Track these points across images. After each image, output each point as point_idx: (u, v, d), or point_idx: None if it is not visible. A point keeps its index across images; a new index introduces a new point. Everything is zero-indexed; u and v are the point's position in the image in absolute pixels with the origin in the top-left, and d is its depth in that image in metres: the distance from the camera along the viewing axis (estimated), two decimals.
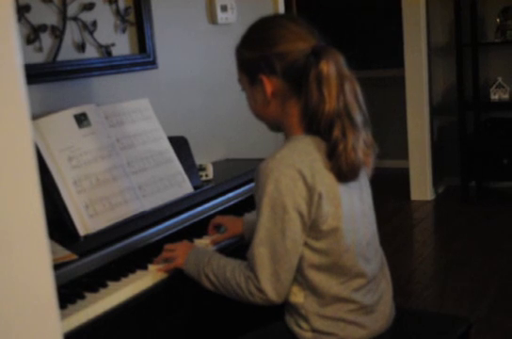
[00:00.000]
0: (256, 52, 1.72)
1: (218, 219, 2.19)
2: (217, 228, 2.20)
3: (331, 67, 1.64)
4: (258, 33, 1.75)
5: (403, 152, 5.35)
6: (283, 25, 1.71)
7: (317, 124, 1.66)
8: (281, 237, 1.64)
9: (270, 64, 1.69)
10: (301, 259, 1.69)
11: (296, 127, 1.72)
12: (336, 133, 1.64)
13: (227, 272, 1.73)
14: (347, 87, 1.66)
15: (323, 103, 1.64)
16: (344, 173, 1.67)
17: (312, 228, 1.66)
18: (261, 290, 1.67)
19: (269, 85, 1.71)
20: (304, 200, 1.63)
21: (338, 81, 1.65)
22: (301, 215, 1.64)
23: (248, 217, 2.19)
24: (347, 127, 1.65)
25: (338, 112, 1.65)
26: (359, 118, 1.68)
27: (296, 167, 1.63)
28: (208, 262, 1.78)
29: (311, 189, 1.63)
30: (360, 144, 1.68)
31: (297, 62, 1.67)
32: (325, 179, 1.65)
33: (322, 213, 1.65)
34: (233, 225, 2.15)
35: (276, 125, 1.81)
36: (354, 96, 1.68)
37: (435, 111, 5.45)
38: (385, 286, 1.85)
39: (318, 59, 1.64)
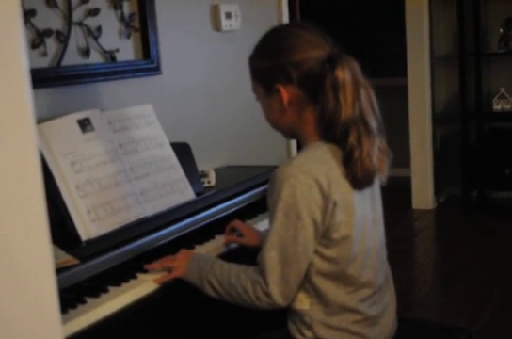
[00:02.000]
0: (271, 61, 1.72)
1: (238, 224, 2.20)
2: (233, 231, 2.21)
3: (347, 74, 1.65)
4: (271, 42, 1.75)
5: (405, 160, 5.36)
6: (296, 34, 1.71)
7: (333, 131, 1.66)
8: (293, 243, 1.64)
9: (286, 73, 1.69)
10: (310, 266, 1.69)
11: (312, 135, 1.73)
12: (352, 139, 1.65)
13: (231, 278, 1.73)
14: (363, 93, 1.67)
15: (339, 109, 1.64)
16: (360, 180, 1.67)
17: (324, 236, 1.67)
18: (268, 294, 1.67)
19: (286, 94, 1.71)
20: (319, 208, 1.63)
21: (354, 88, 1.65)
22: (315, 222, 1.64)
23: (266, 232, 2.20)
24: (363, 134, 1.66)
25: (354, 119, 1.65)
26: (374, 124, 1.69)
27: (313, 174, 1.63)
28: (211, 268, 1.78)
29: (326, 198, 1.63)
30: (375, 151, 1.68)
31: (313, 70, 1.67)
32: (340, 187, 1.65)
33: (335, 221, 1.65)
34: (251, 235, 2.15)
35: (291, 133, 1.82)
36: (369, 103, 1.69)
37: (437, 120, 5.45)
38: (389, 298, 1.85)
39: (333, 66, 1.65)
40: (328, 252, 1.68)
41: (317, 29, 1.73)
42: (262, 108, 1.81)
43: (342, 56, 1.67)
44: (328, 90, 1.64)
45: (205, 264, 1.81)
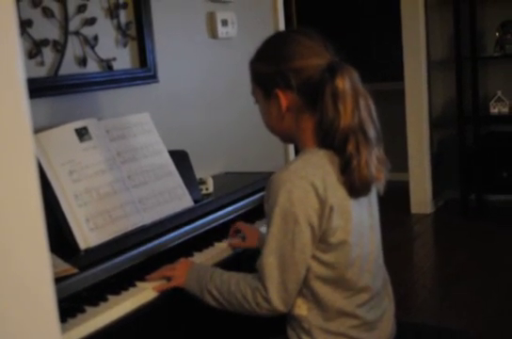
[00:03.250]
0: (272, 67, 1.73)
1: (240, 225, 2.25)
2: (237, 233, 2.25)
3: (347, 83, 1.66)
4: (273, 48, 1.77)
5: (403, 165, 5.36)
6: (298, 41, 1.73)
7: (331, 139, 1.67)
8: (291, 248, 1.65)
9: (286, 79, 1.70)
10: (308, 271, 1.70)
11: (309, 141, 1.74)
12: (350, 148, 1.66)
13: (231, 286, 1.73)
14: (362, 103, 1.68)
15: (338, 118, 1.65)
16: (356, 188, 1.68)
17: (321, 240, 1.67)
18: (268, 300, 1.67)
19: (284, 99, 1.72)
20: (315, 212, 1.64)
21: (353, 97, 1.66)
22: (312, 227, 1.65)
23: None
24: (361, 143, 1.67)
25: (353, 128, 1.66)
26: (372, 134, 1.70)
27: (309, 179, 1.64)
28: (210, 278, 1.78)
29: (322, 202, 1.64)
30: (373, 160, 1.69)
31: (313, 78, 1.68)
32: (336, 192, 1.66)
33: (332, 226, 1.66)
34: (252, 236, 2.20)
35: (288, 138, 1.83)
36: (368, 112, 1.70)
37: (434, 124, 5.47)
38: (387, 303, 1.85)
39: (333, 75, 1.66)
40: (325, 257, 1.69)
41: (319, 37, 1.75)
42: (260, 112, 1.82)
43: (342, 66, 1.69)
44: (328, 99, 1.65)
45: (205, 273, 1.82)
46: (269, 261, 1.67)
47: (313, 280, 1.70)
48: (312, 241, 1.66)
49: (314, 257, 1.69)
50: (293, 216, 1.64)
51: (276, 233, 1.66)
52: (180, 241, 2.17)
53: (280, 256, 1.66)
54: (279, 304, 1.68)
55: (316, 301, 1.72)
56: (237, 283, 1.73)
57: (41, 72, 2.28)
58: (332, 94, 1.65)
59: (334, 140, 1.67)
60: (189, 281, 1.84)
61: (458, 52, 5.06)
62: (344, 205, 1.67)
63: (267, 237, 1.68)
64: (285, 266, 1.66)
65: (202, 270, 1.84)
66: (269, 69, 1.74)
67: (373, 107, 1.72)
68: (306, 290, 1.72)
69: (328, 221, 1.65)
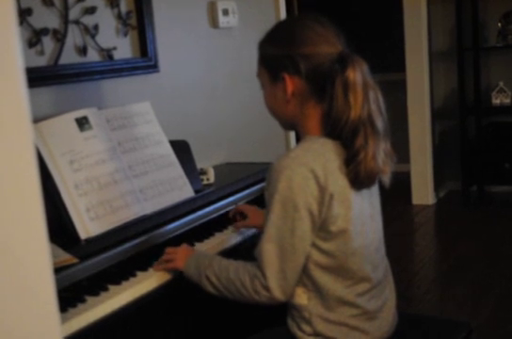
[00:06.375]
0: (282, 50, 1.72)
1: (242, 207, 2.27)
2: (242, 216, 2.27)
3: (357, 74, 1.66)
4: (285, 31, 1.76)
5: (404, 156, 5.36)
6: (311, 27, 1.72)
7: (340, 130, 1.67)
8: (290, 235, 1.65)
9: (295, 64, 1.70)
10: (308, 259, 1.69)
11: (314, 129, 1.73)
12: (359, 140, 1.65)
13: (230, 273, 1.73)
14: (371, 95, 1.68)
15: (348, 109, 1.65)
16: (361, 180, 1.67)
17: (322, 228, 1.67)
18: (267, 288, 1.67)
19: (291, 84, 1.72)
20: (315, 199, 1.63)
21: (363, 89, 1.66)
22: (311, 214, 1.64)
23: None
24: (370, 135, 1.66)
25: (362, 120, 1.66)
26: (380, 126, 1.69)
27: (310, 166, 1.63)
28: (209, 264, 1.78)
29: (322, 189, 1.63)
30: (381, 153, 1.69)
31: (322, 66, 1.68)
32: (337, 180, 1.66)
33: (332, 213, 1.65)
34: (254, 215, 2.21)
35: (290, 124, 1.82)
36: (377, 105, 1.70)
37: (436, 115, 5.45)
38: (389, 293, 1.85)
39: (344, 66, 1.66)
40: (325, 245, 1.68)
41: (333, 26, 1.75)
42: (263, 95, 1.81)
43: (353, 57, 1.69)
44: (338, 89, 1.65)
45: (204, 259, 1.81)
46: (268, 248, 1.66)
47: (314, 268, 1.70)
48: (312, 229, 1.66)
49: (315, 245, 1.68)
50: (292, 203, 1.63)
51: (275, 220, 1.65)
52: (180, 231, 2.17)
53: (280, 243, 1.65)
54: (278, 293, 1.67)
55: (317, 290, 1.71)
56: (236, 271, 1.72)
57: (41, 61, 2.27)
58: (343, 85, 1.65)
59: (342, 131, 1.67)
60: (188, 266, 1.84)
61: (460, 42, 5.04)
62: (344, 193, 1.66)
63: (267, 224, 1.67)
64: (284, 254, 1.66)
65: (202, 257, 1.84)
66: (278, 51, 1.73)
67: (381, 100, 1.72)
68: (306, 279, 1.71)
69: (329, 209, 1.65)
